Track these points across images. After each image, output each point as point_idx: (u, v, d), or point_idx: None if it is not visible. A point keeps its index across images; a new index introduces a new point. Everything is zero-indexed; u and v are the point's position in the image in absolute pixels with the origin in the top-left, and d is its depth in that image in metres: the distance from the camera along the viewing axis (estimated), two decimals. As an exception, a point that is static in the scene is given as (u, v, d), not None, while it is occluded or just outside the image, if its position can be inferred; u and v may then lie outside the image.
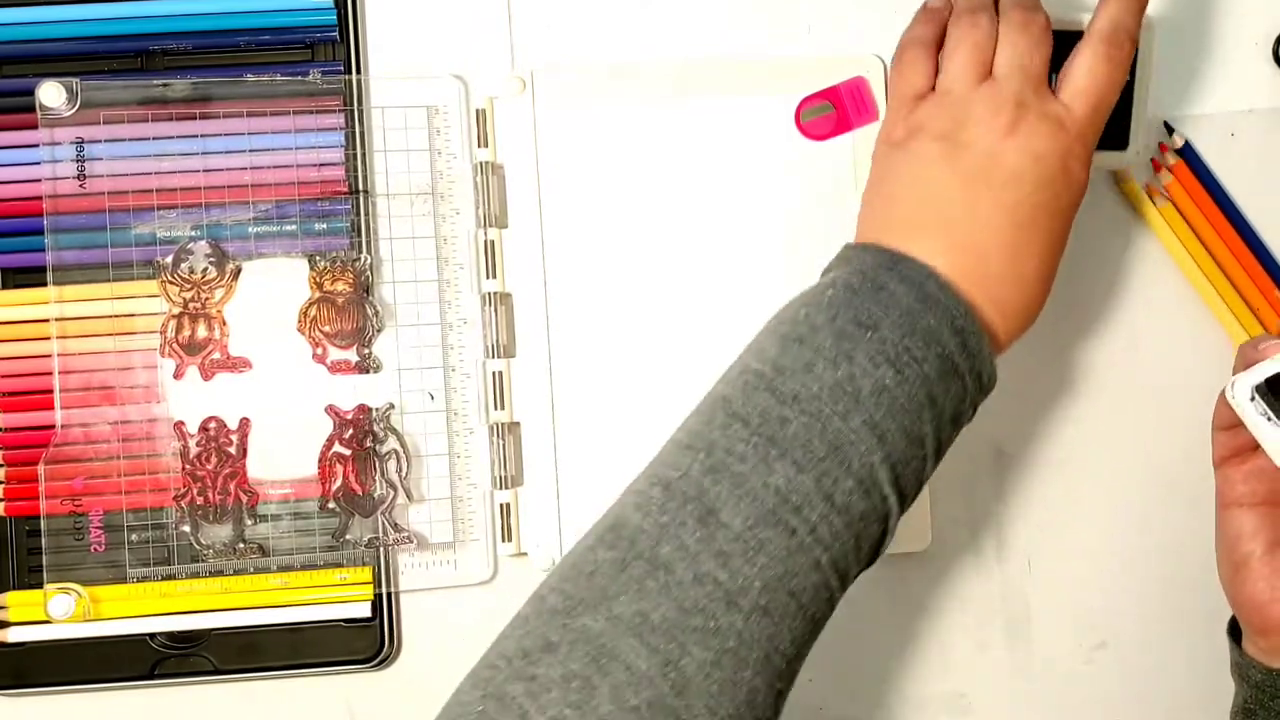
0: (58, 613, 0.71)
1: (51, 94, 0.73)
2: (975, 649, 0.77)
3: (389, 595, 0.75)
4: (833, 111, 0.78)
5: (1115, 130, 0.75)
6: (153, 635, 0.74)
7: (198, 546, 0.73)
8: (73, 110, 0.73)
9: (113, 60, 0.76)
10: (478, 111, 0.77)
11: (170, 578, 0.74)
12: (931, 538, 0.77)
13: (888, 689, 0.77)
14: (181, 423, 0.74)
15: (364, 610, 0.75)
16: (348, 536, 0.74)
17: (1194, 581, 0.77)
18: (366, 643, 0.75)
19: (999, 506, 0.77)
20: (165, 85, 0.74)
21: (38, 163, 0.74)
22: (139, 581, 0.74)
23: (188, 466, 0.74)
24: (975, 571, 0.77)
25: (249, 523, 0.74)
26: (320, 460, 0.74)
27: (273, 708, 0.76)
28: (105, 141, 0.73)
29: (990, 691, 0.77)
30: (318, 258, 0.74)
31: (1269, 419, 0.65)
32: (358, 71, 0.76)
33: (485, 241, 0.76)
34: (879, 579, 0.77)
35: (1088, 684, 0.77)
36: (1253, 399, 0.66)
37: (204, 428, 0.74)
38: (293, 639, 0.75)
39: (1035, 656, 0.77)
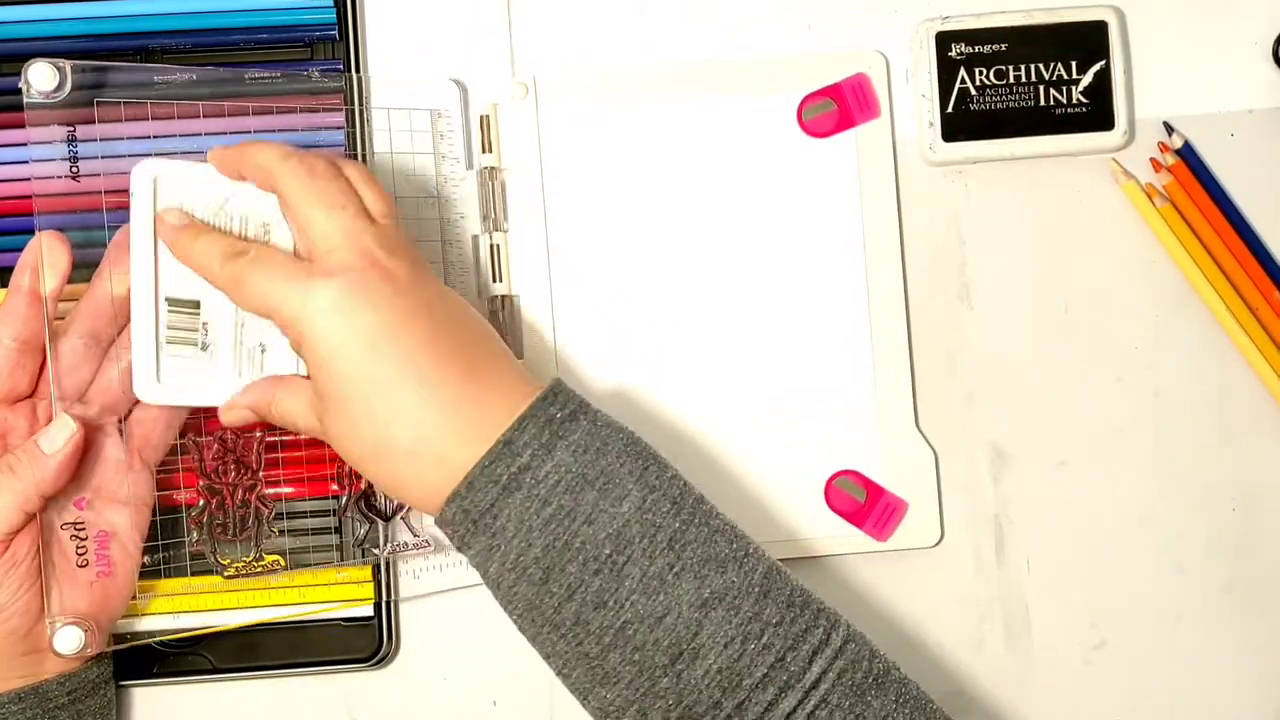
0: (65, 648, 0.68)
1: (41, 75, 0.69)
2: (975, 649, 0.77)
3: (389, 594, 0.75)
4: (835, 108, 0.78)
5: (1100, 111, 0.77)
6: (152, 634, 0.74)
7: (218, 565, 0.73)
8: (62, 96, 0.70)
9: (112, 58, 0.75)
10: (481, 117, 0.77)
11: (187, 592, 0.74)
12: (942, 533, 0.77)
13: (887, 688, 0.77)
14: (196, 432, 0.72)
15: (364, 609, 0.75)
16: (365, 543, 0.74)
17: (1193, 581, 0.78)
18: (365, 642, 0.75)
19: (999, 506, 0.78)
20: (162, 77, 0.73)
21: (26, 161, 0.73)
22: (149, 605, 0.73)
23: (204, 480, 0.72)
24: (975, 571, 0.77)
25: (268, 535, 0.73)
26: (340, 466, 0.74)
27: (272, 707, 0.76)
28: (101, 139, 0.71)
29: (989, 691, 0.77)
30: None
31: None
32: (357, 70, 0.76)
33: (491, 245, 0.76)
34: (880, 578, 0.77)
35: (1087, 684, 0.77)
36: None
37: (220, 438, 0.73)
38: (292, 638, 0.75)
39: (1034, 656, 0.77)
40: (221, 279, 0.65)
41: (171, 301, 0.68)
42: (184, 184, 0.68)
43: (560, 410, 0.63)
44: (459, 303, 0.66)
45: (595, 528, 0.61)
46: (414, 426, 0.62)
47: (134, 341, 0.68)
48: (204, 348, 0.69)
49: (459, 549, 0.64)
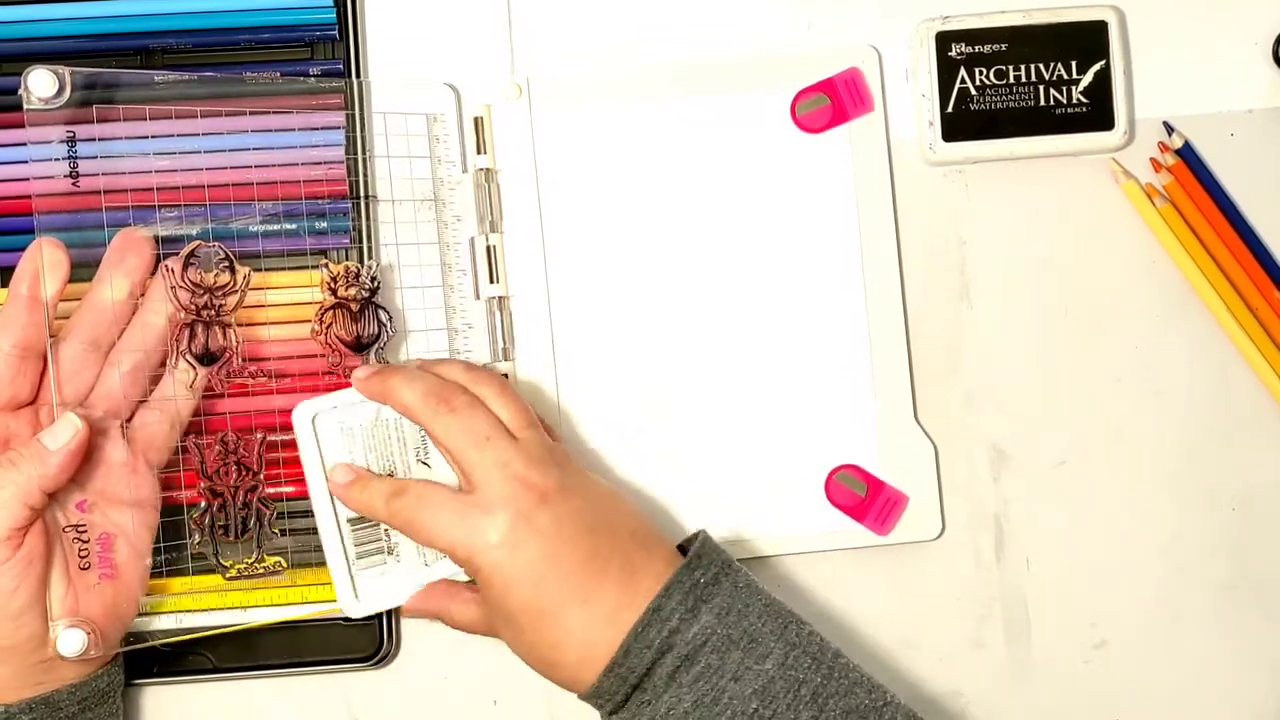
0: (68, 650, 0.67)
1: (41, 82, 0.69)
2: (974, 648, 0.77)
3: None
4: (828, 103, 0.78)
5: (1100, 111, 0.77)
6: (154, 635, 0.74)
7: (219, 566, 0.73)
8: (63, 102, 0.70)
9: (112, 58, 0.75)
10: (475, 119, 0.77)
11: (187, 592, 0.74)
12: (943, 526, 0.77)
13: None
14: (197, 435, 0.72)
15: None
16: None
17: (1193, 581, 0.78)
18: (366, 641, 0.75)
19: (999, 506, 0.78)
20: (161, 79, 0.73)
21: (26, 161, 0.73)
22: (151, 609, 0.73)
23: (205, 481, 0.72)
24: (975, 571, 0.78)
25: (269, 536, 0.73)
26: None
27: (273, 707, 0.76)
28: (100, 140, 0.71)
29: (989, 691, 0.77)
30: (329, 263, 0.73)
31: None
32: (358, 72, 0.76)
33: (487, 246, 0.76)
34: (880, 574, 0.77)
35: (1087, 683, 0.77)
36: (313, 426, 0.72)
37: (222, 440, 0.72)
38: (293, 638, 0.75)
39: (1034, 656, 0.77)
40: (389, 520, 0.70)
41: (353, 521, 0.72)
42: (338, 413, 0.72)
43: (704, 575, 0.67)
44: (604, 495, 0.70)
45: (742, 684, 0.65)
46: (580, 643, 0.66)
47: (330, 567, 0.72)
48: (390, 551, 0.73)
49: (608, 713, 0.67)
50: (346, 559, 0.72)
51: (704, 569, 0.67)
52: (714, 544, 0.69)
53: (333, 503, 0.72)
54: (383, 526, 0.72)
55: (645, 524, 0.70)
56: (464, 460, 0.68)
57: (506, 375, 0.76)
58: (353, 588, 0.72)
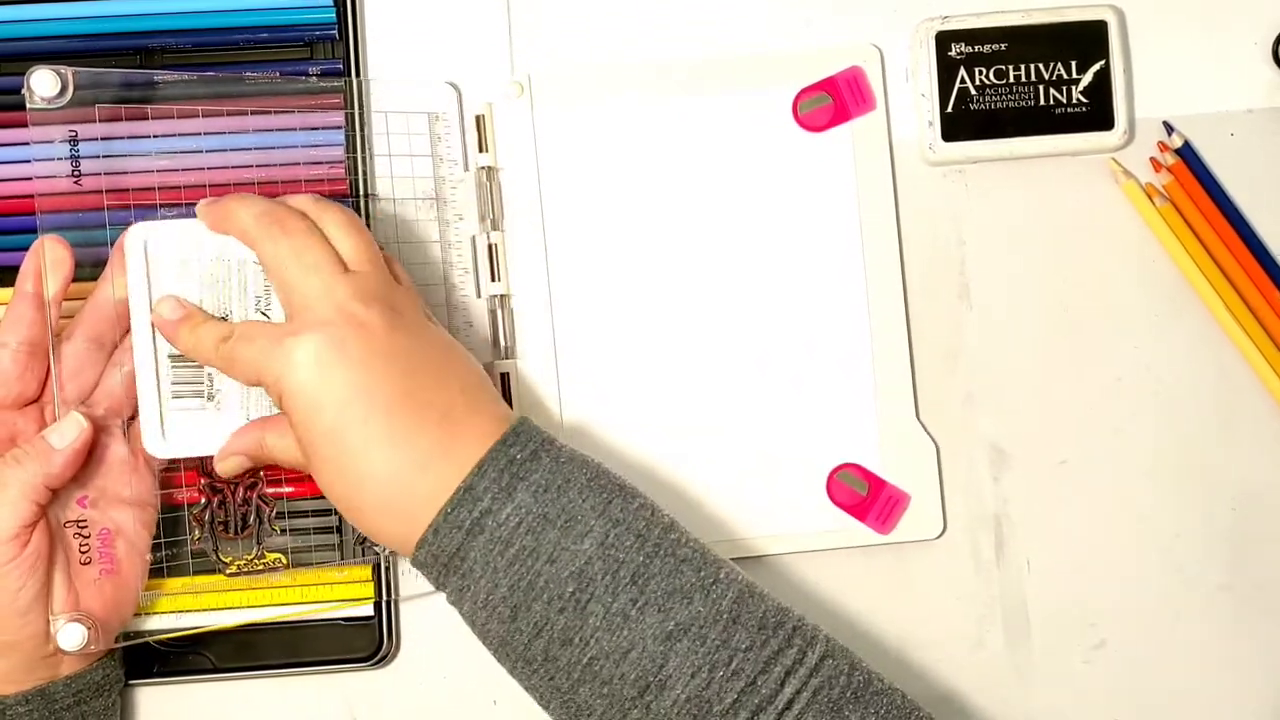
0: (69, 644, 0.67)
1: (44, 82, 0.69)
2: (974, 648, 0.77)
3: (389, 594, 0.75)
4: (830, 102, 0.78)
5: (1099, 111, 0.77)
6: (154, 633, 0.74)
7: (219, 563, 0.73)
8: (65, 101, 0.70)
9: (111, 58, 0.75)
10: (477, 117, 0.77)
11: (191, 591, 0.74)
12: (944, 526, 0.77)
13: (887, 687, 0.77)
14: None
15: (365, 609, 0.75)
16: (366, 542, 0.74)
17: (1193, 581, 0.78)
18: (366, 641, 0.75)
19: (999, 506, 0.78)
20: (162, 79, 0.73)
21: (28, 160, 0.73)
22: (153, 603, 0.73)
23: (205, 478, 0.72)
24: (975, 571, 0.78)
25: (269, 534, 0.73)
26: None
27: (272, 707, 0.76)
28: (102, 139, 0.72)
29: (989, 690, 0.77)
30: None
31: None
32: (357, 72, 0.76)
33: (488, 245, 0.76)
34: (879, 573, 0.77)
35: (1087, 683, 0.77)
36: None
37: None
38: (292, 637, 0.75)
39: (1034, 656, 0.77)
40: (217, 362, 0.67)
41: (174, 358, 0.69)
42: (176, 242, 0.69)
43: (521, 451, 0.64)
44: (440, 345, 0.67)
45: (558, 566, 0.62)
46: (382, 486, 0.63)
47: (140, 400, 0.69)
48: (210, 398, 0.69)
49: (436, 588, 0.65)
50: (159, 396, 0.69)
51: (521, 445, 0.64)
52: (533, 424, 0.66)
53: (153, 335, 0.68)
54: (206, 370, 0.69)
55: (481, 383, 0.67)
56: (287, 285, 0.65)
57: (508, 374, 0.76)
58: (160, 426, 0.69)
